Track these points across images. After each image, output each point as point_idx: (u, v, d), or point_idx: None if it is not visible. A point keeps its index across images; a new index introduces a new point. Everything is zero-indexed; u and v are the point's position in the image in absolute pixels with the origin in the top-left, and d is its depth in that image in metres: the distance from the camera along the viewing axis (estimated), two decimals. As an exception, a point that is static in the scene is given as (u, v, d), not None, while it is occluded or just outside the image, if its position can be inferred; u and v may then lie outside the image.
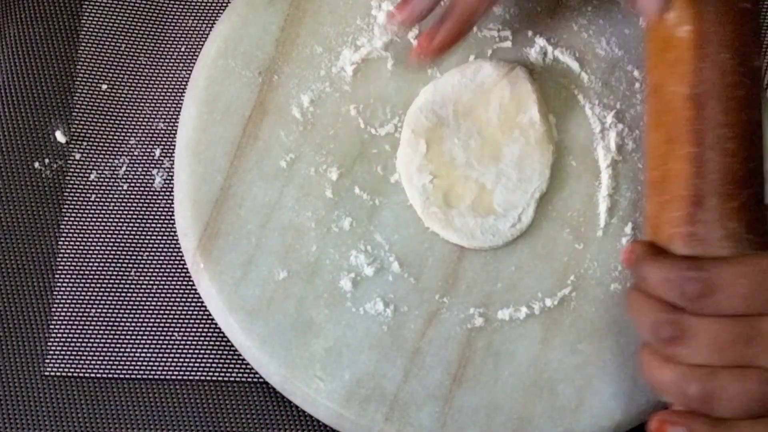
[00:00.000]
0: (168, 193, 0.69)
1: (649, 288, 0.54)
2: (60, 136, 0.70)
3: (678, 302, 0.52)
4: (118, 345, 0.67)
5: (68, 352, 0.67)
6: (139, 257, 0.68)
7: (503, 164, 0.65)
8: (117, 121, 0.71)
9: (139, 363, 0.67)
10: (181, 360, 0.67)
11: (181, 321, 0.68)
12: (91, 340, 0.67)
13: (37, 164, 0.70)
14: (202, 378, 0.67)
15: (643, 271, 0.54)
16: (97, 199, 0.69)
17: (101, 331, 0.67)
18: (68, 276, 0.68)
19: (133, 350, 0.67)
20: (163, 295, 0.68)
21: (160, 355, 0.67)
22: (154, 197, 0.70)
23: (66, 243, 0.69)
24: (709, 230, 0.54)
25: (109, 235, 0.69)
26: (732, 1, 0.57)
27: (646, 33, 0.62)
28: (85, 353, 0.67)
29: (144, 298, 0.68)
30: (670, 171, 0.57)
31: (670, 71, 0.58)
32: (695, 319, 0.51)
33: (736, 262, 0.52)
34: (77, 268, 0.68)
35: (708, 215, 0.55)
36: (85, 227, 0.69)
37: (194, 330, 0.67)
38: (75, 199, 0.69)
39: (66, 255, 0.68)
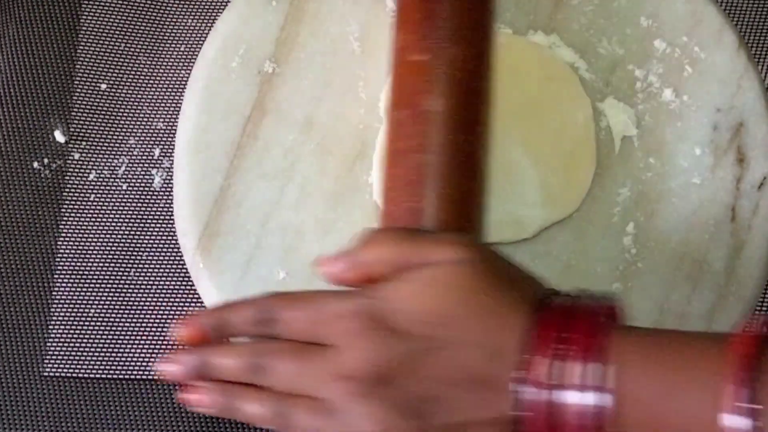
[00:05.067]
0: (167, 193, 0.69)
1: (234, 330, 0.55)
2: (59, 136, 0.70)
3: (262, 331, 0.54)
4: (117, 345, 0.67)
5: (67, 353, 0.67)
6: (139, 257, 0.68)
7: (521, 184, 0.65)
8: (116, 121, 0.71)
9: (139, 363, 0.66)
10: (181, 360, 0.67)
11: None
12: (90, 341, 0.67)
13: (36, 164, 0.70)
14: (202, 378, 0.66)
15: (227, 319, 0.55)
16: (96, 199, 0.69)
17: (100, 332, 0.67)
18: (67, 276, 0.68)
19: (133, 351, 0.67)
20: (162, 295, 0.68)
21: (160, 355, 0.67)
22: (154, 197, 0.69)
23: (65, 243, 0.68)
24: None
25: (108, 235, 0.69)
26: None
27: None
28: (84, 354, 0.67)
29: (143, 299, 0.68)
30: None
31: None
32: (273, 344, 0.53)
33: (296, 298, 0.54)
34: (76, 268, 0.68)
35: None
36: (84, 227, 0.69)
37: (193, 330, 0.67)
38: (74, 199, 0.69)
39: (65, 255, 0.68)
